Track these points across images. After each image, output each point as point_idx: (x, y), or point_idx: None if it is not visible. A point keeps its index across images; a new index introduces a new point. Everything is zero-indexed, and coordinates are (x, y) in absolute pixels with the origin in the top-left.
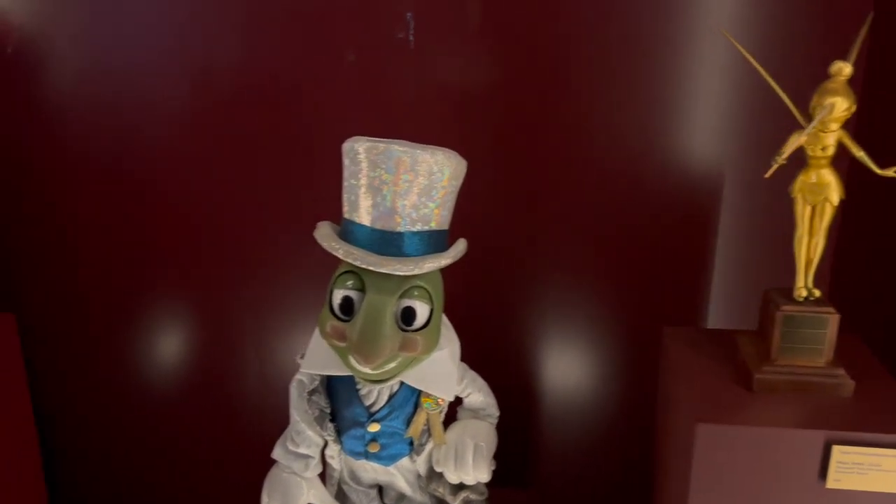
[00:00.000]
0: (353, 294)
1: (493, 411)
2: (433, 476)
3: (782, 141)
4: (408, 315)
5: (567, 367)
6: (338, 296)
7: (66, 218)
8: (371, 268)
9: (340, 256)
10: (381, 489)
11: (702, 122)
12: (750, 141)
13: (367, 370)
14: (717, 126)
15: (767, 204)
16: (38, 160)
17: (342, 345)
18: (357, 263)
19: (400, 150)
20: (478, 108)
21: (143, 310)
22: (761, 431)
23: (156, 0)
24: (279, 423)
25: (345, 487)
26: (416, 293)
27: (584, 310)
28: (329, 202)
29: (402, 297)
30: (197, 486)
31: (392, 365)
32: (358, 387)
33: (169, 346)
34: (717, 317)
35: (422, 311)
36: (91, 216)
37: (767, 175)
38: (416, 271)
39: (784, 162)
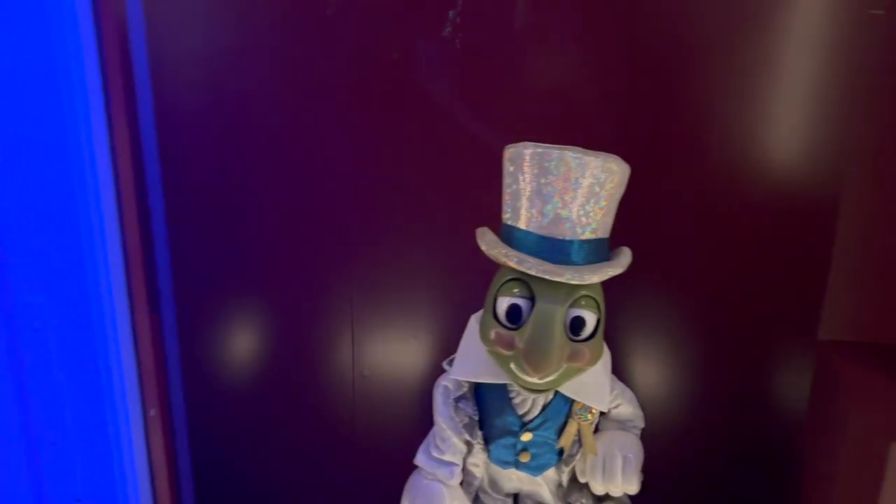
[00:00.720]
0: (520, 302)
1: (640, 423)
2: (574, 486)
3: None
4: (577, 325)
5: (674, 377)
6: (504, 303)
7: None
8: (546, 277)
9: (512, 265)
10: (515, 497)
11: (820, 122)
12: (872, 142)
13: (533, 380)
14: (836, 127)
15: (884, 212)
16: (212, 164)
17: (508, 353)
18: (532, 272)
19: (572, 156)
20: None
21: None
22: None
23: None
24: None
25: (482, 496)
26: (583, 302)
27: (688, 319)
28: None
29: (571, 306)
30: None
31: (555, 375)
32: (511, 395)
33: (261, 340)
34: (826, 326)
35: (590, 320)
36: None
37: None
38: (595, 280)
39: None
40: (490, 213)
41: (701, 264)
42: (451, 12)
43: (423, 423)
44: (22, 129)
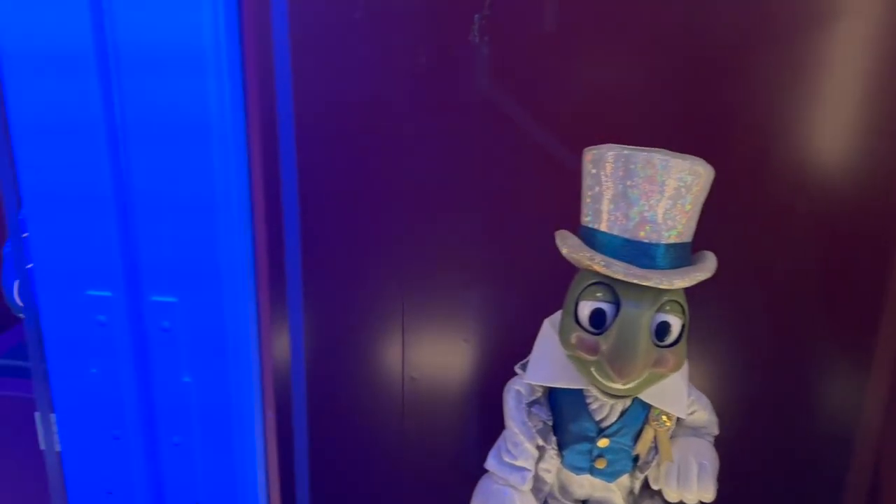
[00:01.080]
0: (604, 306)
1: (714, 430)
2: (644, 493)
3: None
4: (662, 330)
5: (734, 382)
6: (587, 307)
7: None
8: (635, 281)
9: (599, 269)
10: None
11: (882, 123)
12: None
13: (617, 385)
14: None
15: None
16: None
17: (591, 358)
18: (619, 276)
19: (659, 158)
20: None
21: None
22: None
23: None
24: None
25: (551, 501)
26: (669, 307)
27: (751, 320)
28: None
29: (657, 311)
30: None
31: (639, 381)
32: (588, 400)
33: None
34: (887, 331)
35: (675, 325)
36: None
37: None
38: (683, 285)
39: None
40: (540, 215)
41: (761, 268)
42: (476, 15)
43: (472, 426)
44: (158, 128)
